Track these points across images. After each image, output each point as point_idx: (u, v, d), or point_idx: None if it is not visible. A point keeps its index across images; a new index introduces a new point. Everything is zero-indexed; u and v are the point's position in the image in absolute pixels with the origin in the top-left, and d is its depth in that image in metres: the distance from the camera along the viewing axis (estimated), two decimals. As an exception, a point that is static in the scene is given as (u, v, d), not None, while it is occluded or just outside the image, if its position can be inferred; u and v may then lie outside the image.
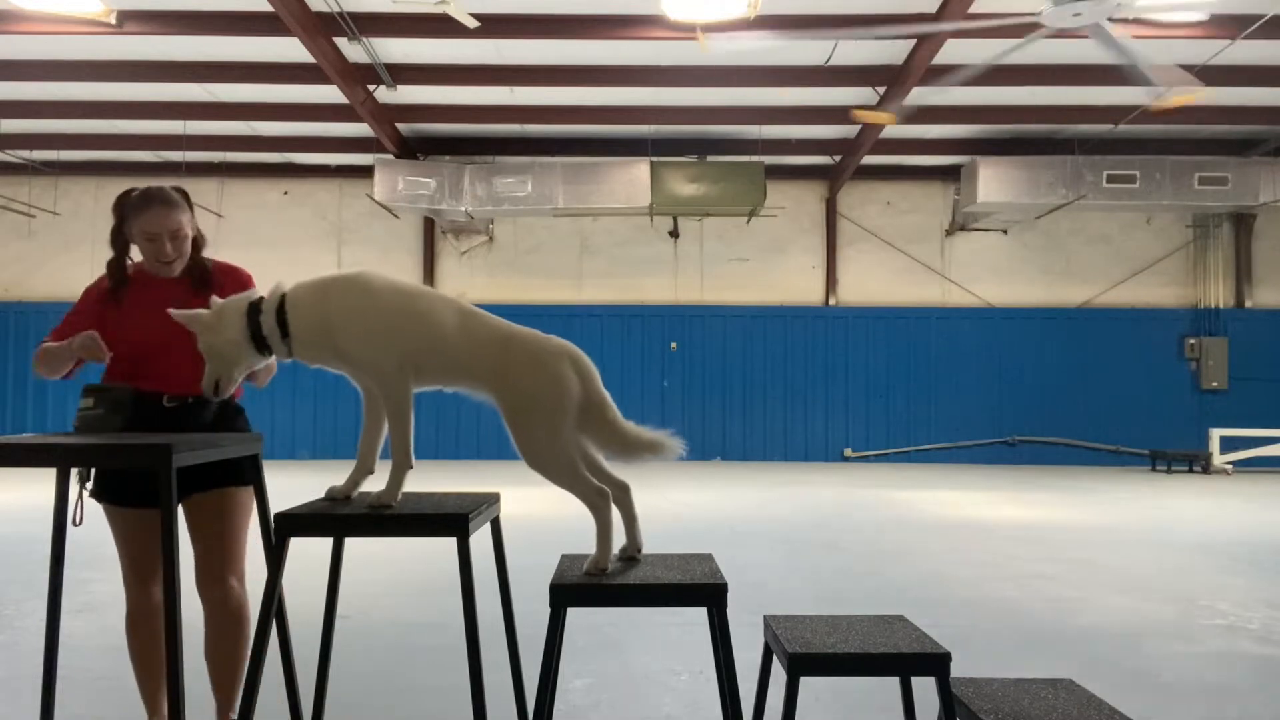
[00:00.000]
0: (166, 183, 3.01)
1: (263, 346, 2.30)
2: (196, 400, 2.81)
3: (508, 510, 2.70)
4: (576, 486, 2.27)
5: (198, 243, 2.97)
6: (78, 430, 2.66)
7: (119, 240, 2.89)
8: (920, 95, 11.05)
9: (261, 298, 2.32)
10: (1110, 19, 6.92)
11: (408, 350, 2.29)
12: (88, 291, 2.93)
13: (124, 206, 2.87)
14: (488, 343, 2.31)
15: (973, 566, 6.29)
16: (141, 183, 2.99)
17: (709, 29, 9.59)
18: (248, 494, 2.87)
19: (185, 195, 2.96)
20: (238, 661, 2.81)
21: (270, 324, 2.28)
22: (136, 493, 2.77)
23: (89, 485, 2.76)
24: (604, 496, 2.27)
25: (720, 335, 15.08)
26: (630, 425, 2.37)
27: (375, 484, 2.41)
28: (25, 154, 14.32)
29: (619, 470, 2.39)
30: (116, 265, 2.89)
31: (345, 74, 10.72)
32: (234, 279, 2.97)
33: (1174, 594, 5.49)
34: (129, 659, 2.87)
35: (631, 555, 2.38)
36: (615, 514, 2.32)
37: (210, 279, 2.92)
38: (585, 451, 2.36)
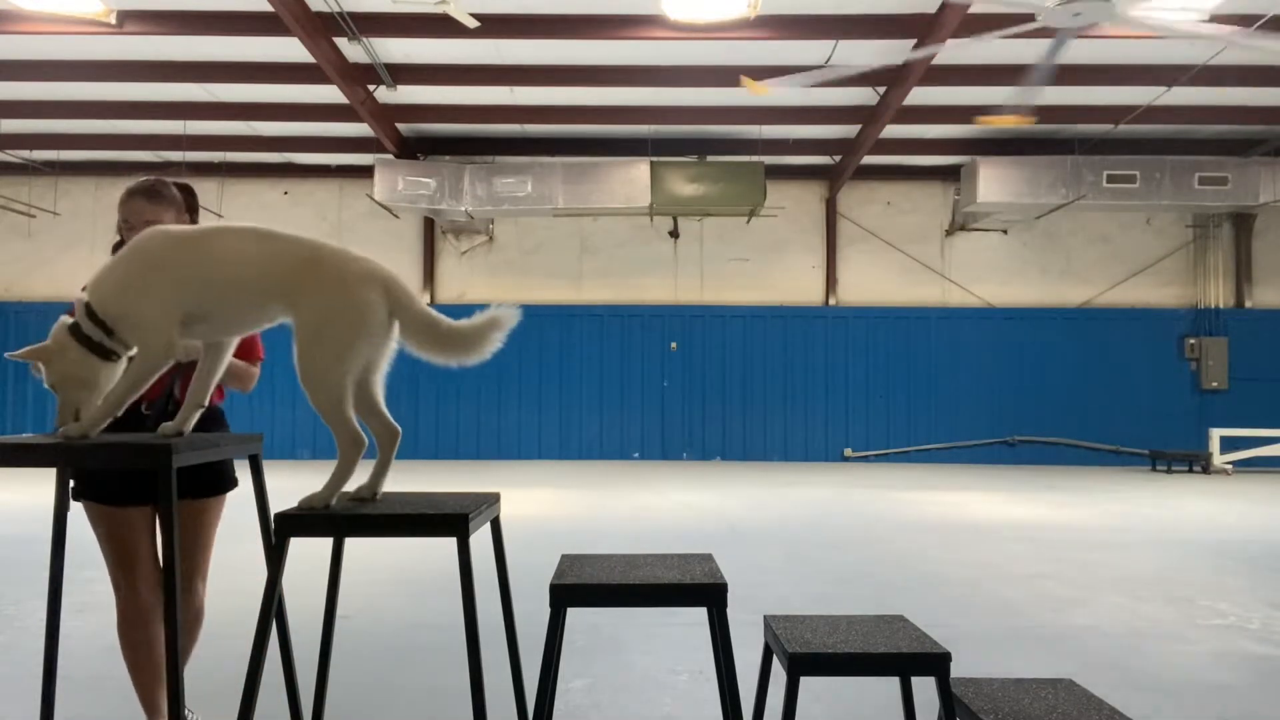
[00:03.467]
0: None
1: (105, 354, 2.22)
2: (178, 406, 2.75)
3: (508, 510, 2.69)
4: (338, 425, 2.18)
5: None
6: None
7: (120, 228, 2.90)
8: (921, 95, 11.06)
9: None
10: (1110, 20, 6.91)
11: (191, 302, 2.19)
12: None
13: (123, 196, 2.89)
14: (291, 261, 2.24)
15: (973, 566, 6.29)
16: None
17: (710, 30, 9.61)
18: (222, 502, 2.95)
19: (187, 194, 2.93)
20: (187, 658, 2.94)
21: (90, 327, 2.19)
22: (122, 491, 2.76)
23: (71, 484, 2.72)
24: (358, 445, 2.20)
25: (720, 335, 15.08)
26: (464, 323, 2.31)
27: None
28: (25, 154, 14.32)
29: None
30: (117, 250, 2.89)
31: (345, 74, 10.72)
32: None
33: (1174, 594, 5.49)
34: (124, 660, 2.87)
35: (364, 498, 2.30)
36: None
37: None
38: (370, 394, 2.30)
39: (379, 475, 2.32)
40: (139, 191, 2.85)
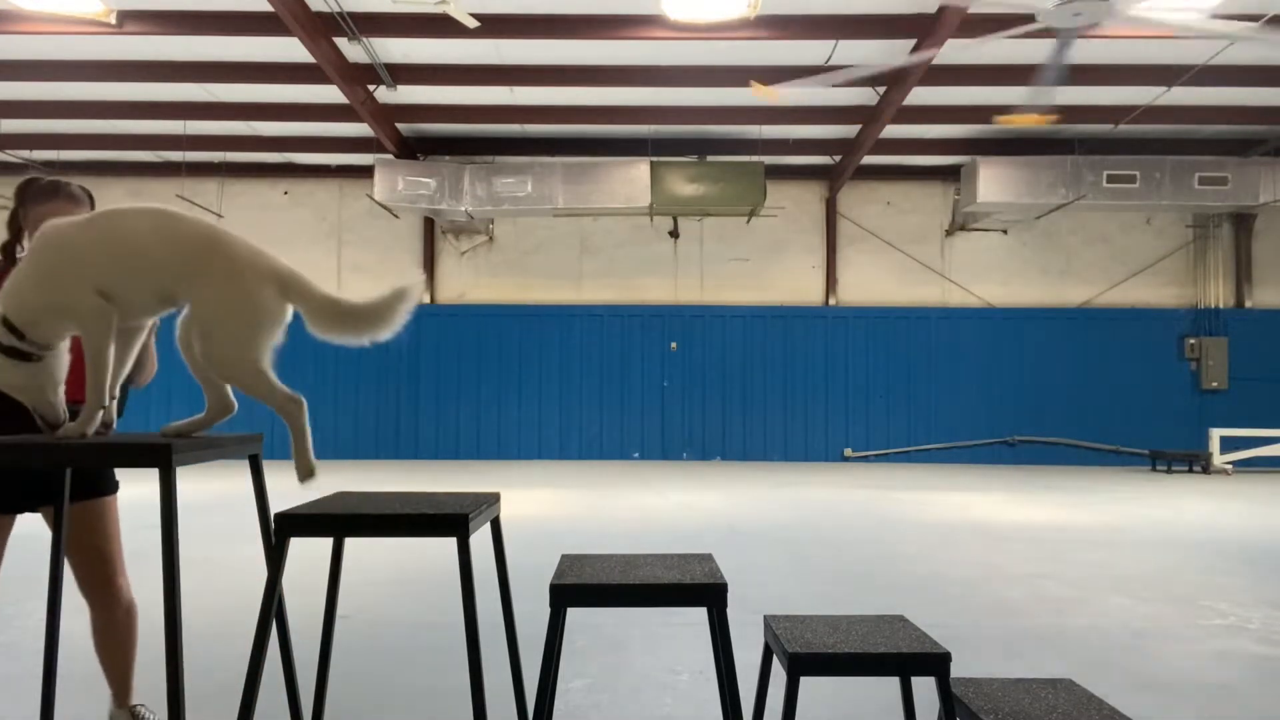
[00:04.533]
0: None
1: (23, 356, 2.21)
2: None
3: (508, 510, 2.70)
4: (267, 395, 2.20)
5: None
6: None
7: (15, 225, 2.87)
8: (921, 95, 11.06)
9: None
10: (1109, 19, 6.92)
11: (101, 279, 2.19)
12: None
13: (25, 192, 2.87)
14: (187, 244, 2.22)
15: (973, 566, 6.29)
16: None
17: (710, 30, 9.61)
18: (114, 501, 3.00)
19: (91, 197, 2.95)
20: (132, 652, 3.05)
21: (3, 333, 2.19)
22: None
23: None
24: (297, 402, 2.22)
25: (720, 335, 15.08)
26: (368, 299, 2.29)
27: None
28: (25, 154, 14.32)
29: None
30: (9, 250, 2.85)
31: (345, 74, 10.72)
32: None
33: (1174, 594, 5.49)
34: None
35: (181, 433, 2.30)
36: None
37: None
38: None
39: (195, 425, 2.32)
40: (57, 194, 2.84)
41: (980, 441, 14.79)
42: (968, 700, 2.13)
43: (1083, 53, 10.13)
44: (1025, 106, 9.81)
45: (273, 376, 2.22)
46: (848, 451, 14.93)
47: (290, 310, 2.28)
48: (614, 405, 14.98)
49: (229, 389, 2.36)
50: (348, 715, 3.30)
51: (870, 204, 15.36)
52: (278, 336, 2.28)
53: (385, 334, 2.30)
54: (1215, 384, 14.72)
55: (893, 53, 10.51)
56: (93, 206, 2.95)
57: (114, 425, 2.43)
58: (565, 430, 15.00)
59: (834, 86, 10.37)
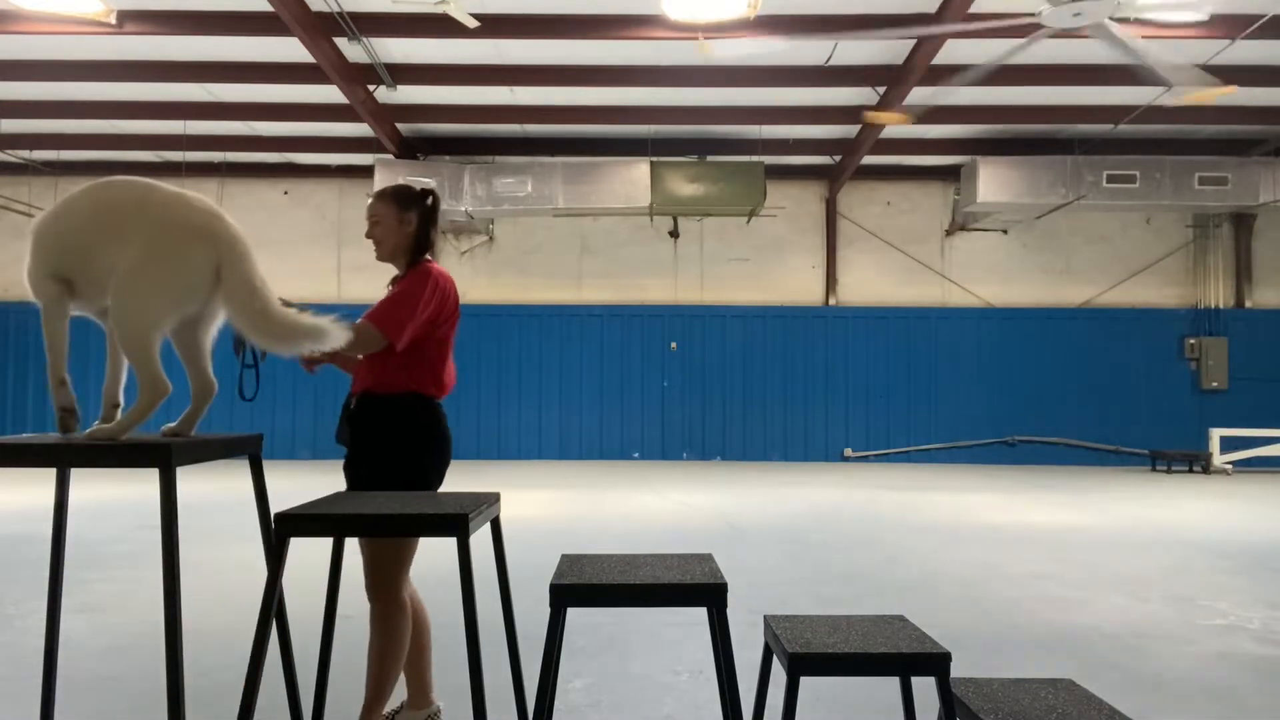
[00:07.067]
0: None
1: None
2: (360, 400, 2.92)
3: (508, 510, 2.70)
4: (141, 366, 2.17)
5: (420, 244, 3.02)
6: None
7: None
8: (921, 95, 11.05)
9: None
10: (1110, 19, 6.92)
11: (55, 264, 2.23)
12: None
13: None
14: (119, 207, 2.22)
15: (973, 566, 6.29)
16: None
17: (709, 30, 9.61)
18: None
19: (414, 195, 3.03)
20: (378, 662, 2.93)
21: None
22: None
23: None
24: (158, 390, 2.17)
25: (720, 335, 15.08)
26: (287, 312, 2.25)
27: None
28: (25, 154, 14.32)
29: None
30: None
31: (345, 74, 10.72)
32: (410, 274, 3.02)
33: (1174, 594, 5.49)
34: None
35: (176, 433, 2.31)
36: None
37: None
38: (195, 343, 2.32)
39: (188, 422, 2.35)
40: (383, 197, 3.03)
41: (980, 441, 14.80)
42: (968, 700, 2.13)
43: (1083, 53, 10.15)
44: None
45: (155, 354, 2.18)
46: (848, 451, 14.93)
47: (215, 275, 2.23)
48: (614, 405, 14.98)
49: (210, 367, 2.37)
50: (348, 715, 3.30)
51: (870, 204, 15.36)
52: (191, 305, 2.25)
53: (279, 351, 2.28)
54: (1215, 384, 14.72)
55: (893, 53, 10.52)
56: (424, 208, 3.03)
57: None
58: (565, 430, 15.00)
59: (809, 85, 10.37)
